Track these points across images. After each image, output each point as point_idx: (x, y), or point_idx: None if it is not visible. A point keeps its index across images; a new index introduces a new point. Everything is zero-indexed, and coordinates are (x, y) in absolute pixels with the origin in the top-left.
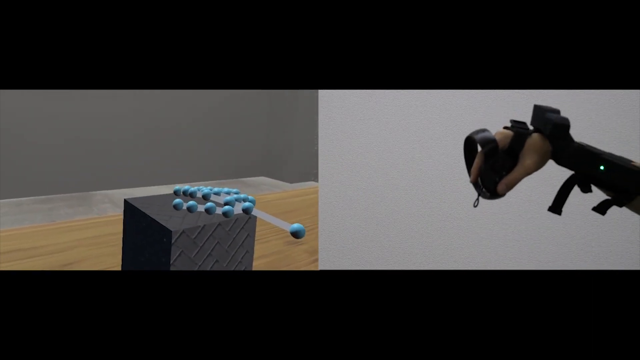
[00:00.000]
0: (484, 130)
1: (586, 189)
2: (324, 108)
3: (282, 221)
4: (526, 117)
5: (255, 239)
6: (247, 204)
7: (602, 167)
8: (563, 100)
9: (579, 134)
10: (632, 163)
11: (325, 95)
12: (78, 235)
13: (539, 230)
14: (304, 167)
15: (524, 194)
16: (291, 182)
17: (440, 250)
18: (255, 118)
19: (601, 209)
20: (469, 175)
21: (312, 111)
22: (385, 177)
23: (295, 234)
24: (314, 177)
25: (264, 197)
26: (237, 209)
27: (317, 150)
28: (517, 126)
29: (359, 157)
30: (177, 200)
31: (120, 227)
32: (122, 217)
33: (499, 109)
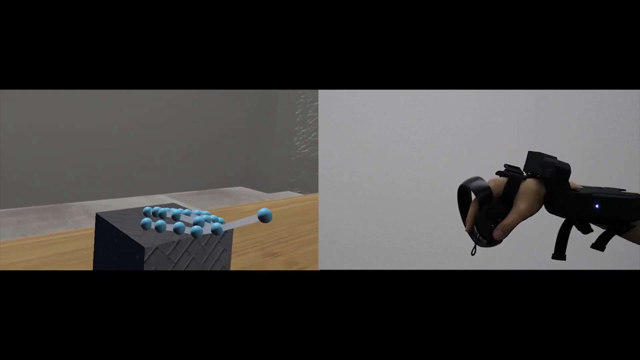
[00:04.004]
0: (477, 179)
1: (586, 230)
2: (324, 108)
3: (248, 218)
4: (526, 118)
5: (232, 251)
6: (216, 224)
7: (597, 206)
8: (563, 101)
9: (579, 133)
10: (622, 191)
11: (325, 95)
12: (50, 250)
13: (539, 230)
14: (282, 177)
15: None
16: (268, 192)
17: (440, 250)
18: (233, 127)
19: (600, 244)
20: (464, 225)
21: (290, 117)
22: (385, 177)
23: (263, 218)
24: (291, 187)
25: (243, 207)
26: (207, 229)
27: (296, 159)
28: (511, 171)
29: (359, 157)
30: (146, 219)
31: None
32: None
33: (499, 109)
